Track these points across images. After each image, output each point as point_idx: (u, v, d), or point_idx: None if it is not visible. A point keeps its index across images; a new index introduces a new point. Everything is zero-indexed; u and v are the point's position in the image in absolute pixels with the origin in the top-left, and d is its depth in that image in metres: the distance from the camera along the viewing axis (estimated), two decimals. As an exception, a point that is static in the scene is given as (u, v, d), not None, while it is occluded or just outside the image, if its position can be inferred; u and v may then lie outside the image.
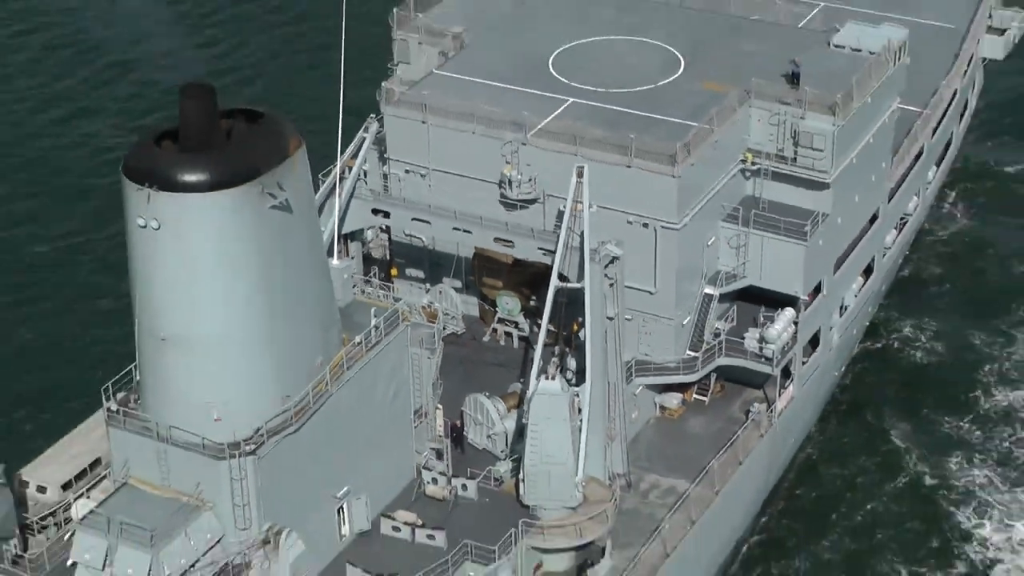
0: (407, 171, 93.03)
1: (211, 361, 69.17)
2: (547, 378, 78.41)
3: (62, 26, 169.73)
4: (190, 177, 63.09)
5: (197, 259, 66.42)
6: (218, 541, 70.45)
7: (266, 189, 65.33)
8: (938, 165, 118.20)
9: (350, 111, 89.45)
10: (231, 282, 67.57)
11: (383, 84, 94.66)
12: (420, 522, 79.68)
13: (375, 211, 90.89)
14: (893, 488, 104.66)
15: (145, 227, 64.92)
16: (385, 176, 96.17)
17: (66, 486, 76.63)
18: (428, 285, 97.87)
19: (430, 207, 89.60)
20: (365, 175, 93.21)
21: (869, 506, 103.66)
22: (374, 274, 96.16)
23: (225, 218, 65.27)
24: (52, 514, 76.00)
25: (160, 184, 62.73)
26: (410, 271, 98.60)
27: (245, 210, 65.23)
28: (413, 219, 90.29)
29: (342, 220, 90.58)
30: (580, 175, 79.36)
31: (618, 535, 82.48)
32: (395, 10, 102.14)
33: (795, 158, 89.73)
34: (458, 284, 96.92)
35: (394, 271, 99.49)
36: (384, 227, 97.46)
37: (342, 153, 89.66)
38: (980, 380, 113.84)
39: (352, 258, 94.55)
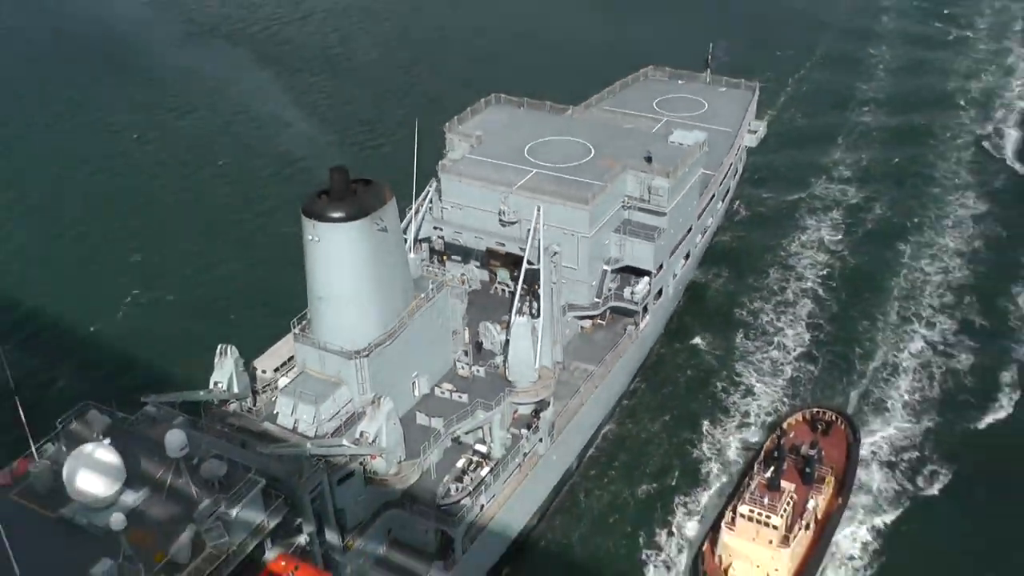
0: (452, 206, 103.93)
1: (344, 308, 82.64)
2: (520, 315, 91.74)
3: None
4: (335, 215, 78.74)
5: (338, 256, 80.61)
6: (349, 401, 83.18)
7: (374, 221, 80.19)
8: (723, 200, 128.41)
9: (420, 175, 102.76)
10: (356, 269, 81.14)
11: (440, 162, 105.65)
12: (454, 389, 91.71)
13: (435, 227, 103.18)
14: (698, 365, 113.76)
15: (312, 240, 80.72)
16: (441, 209, 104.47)
17: (276, 370, 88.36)
18: (463, 265, 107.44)
19: (463, 226, 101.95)
20: (430, 210, 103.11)
21: (689, 372, 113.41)
22: (435, 260, 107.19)
23: (353, 236, 79.71)
24: (267, 386, 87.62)
25: (320, 219, 79.01)
26: (454, 258, 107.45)
27: (364, 232, 79.86)
28: (454, 232, 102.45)
29: (417, 232, 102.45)
30: (539, 210, 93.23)
31: (556, 394, 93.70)
32: (447, 124, 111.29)
33: (648, 199, 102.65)
34: (477, 264, 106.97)
35: (445, 258, 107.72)
36: (440, 236, 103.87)
37: (416, 198, 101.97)
38: (753, 310, 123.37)
39: (423, 255, 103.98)
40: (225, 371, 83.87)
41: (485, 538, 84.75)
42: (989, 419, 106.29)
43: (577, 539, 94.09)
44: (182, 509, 63.62)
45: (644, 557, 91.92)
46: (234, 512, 63.06)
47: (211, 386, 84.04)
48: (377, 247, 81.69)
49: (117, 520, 58.88)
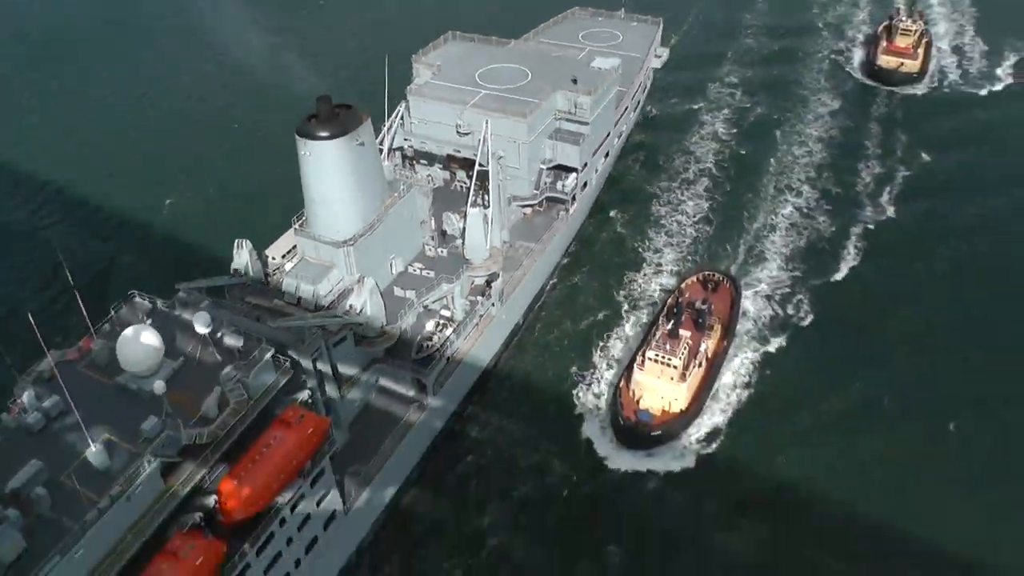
0: (419, 121, 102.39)
1: (332, 207, 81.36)
2: (474, 207, 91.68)
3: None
4: (322, 134, 77.80)
5: (326, 167, 79.55)
6: (340, 281, 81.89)
7: (353, 139, 79.05)
8: (635, 111, 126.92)
9: (392, 98, 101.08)
10: (341, 176, 79.99)
11: (408, 86, 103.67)
12: (423, 267, 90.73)
13: (405, 139, 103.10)
14: (617, 236, 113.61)
15: (305, 155, 79.63)
16: (410, 124, 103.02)
17: (283, 256, 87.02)
18: (429, 168, 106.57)
19: (428, 137, 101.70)
20: (401, 125, 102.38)
21: (610, 242, 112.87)
22: (407, 164, 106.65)
23: (337, 150, 78.74)
24: (277, 269, 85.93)
25: (310, 137, 77.98)
26: (422, 162, 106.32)
27: (345, 147, 78.87)
28: (421, 141, 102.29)
29: (391, 143, 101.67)
30: (487, 123, 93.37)
31: (505, 267, 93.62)
32: (413, 56, 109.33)
33: (575, 113, 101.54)
34: (440, 167, 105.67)
35: (415, 163, 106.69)
36: (410, 145, 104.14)
37: (388, 116, 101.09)
38: (661, 189, 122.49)
39: (396, 162, 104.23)
40: (242, 260, 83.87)
41: (452, 382, 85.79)
42: (842, 266, 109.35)
43: (524, 375, 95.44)
44: (210, 374, 63.78)
45: (577, 380, 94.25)
46: (251, 375, 63.31)
47: (231, 272, 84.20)
48: (357, 158, 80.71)
49: (159, 387, 60.08)
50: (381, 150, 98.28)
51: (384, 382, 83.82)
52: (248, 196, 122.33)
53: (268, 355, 64.67)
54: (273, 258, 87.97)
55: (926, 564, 75.26)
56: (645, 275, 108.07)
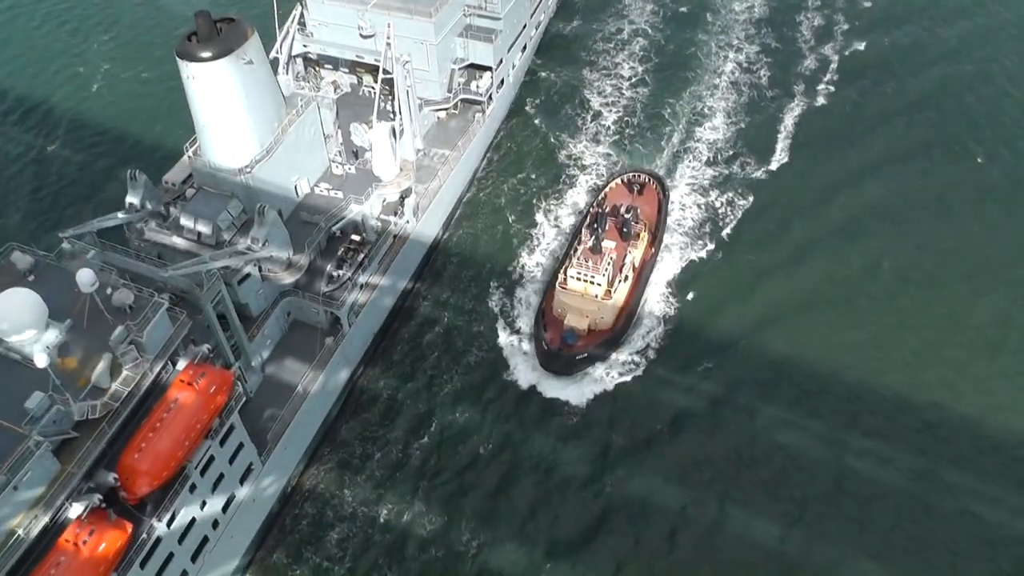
0: (319, 24, 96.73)
1: (224, 133, 77.62)
2: (379, 121, 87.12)
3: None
4: (205, 54, 73.18)
5: (212, 91, 75.29)
6: (242, 210, 78.21)
7: (239, 56, 74.57)
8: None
9: (280, 8, 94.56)
10: (230, 100, 75.85)
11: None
12: (331, 187, 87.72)
13: (304, 46, 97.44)
14: (537, 136, 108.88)
15: (188, 79, 75.27)
16: (308, 29, 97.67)
17: (184, 182, 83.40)
18: (334, 72, 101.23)
19: (328, 43, 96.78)
20: (300, 29, 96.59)
21: (530, 141, 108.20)
22: (311, 69, 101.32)
23: (222, 72, 74.30)
24: (178, 197, 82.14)
25: (192, 59, 73.42)
26: (326, 67, 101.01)
27: (231, 67, 74.42)
28: (321, 48, 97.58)
29: (290, 51, 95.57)
30: (389, 26, 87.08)
31: (419, 178, 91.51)
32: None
33: (485, 7, 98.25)
34: (346, 71, 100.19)
35: (318, 68, 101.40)
36: (309, 53, 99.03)
37: (280, 27, 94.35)
38: (591, 63, 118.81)
39: (298, 70, 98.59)
40: (137, 192, 79.16)
41: (368, 311, 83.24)
42: (785, 117, 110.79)
43: (445, 298, 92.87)
44: (99, 337, 59.78)
45: (501, 302, 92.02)
46: (144, 334, 59.71)
47: (127, 207, 79.37)
48: (245, 78, 76.20)
49: (40, 359, 55.43)
50: (278, 60, 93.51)
51: (298, 315, 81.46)
52: (140, 122, 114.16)
53: (162, 309, 61.14)
54: (172, 184, 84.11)
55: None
56: (570, 175, 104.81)
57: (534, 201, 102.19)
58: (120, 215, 79.10)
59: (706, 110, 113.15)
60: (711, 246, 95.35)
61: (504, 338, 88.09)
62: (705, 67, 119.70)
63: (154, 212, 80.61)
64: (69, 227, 72.93)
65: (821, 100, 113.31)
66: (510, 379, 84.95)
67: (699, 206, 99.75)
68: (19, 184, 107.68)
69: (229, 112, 76.60)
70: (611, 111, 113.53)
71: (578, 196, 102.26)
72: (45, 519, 53.22)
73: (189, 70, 74.08)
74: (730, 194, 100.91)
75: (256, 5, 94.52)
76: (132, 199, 79.26)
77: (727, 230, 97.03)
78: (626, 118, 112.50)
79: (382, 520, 75.79)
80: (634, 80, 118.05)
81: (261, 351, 77.71)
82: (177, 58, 74.21)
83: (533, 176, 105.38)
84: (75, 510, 55.07)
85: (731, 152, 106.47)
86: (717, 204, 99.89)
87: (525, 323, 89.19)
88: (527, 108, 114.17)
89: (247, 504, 70.05)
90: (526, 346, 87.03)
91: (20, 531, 52.05)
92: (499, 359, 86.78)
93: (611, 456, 78.72)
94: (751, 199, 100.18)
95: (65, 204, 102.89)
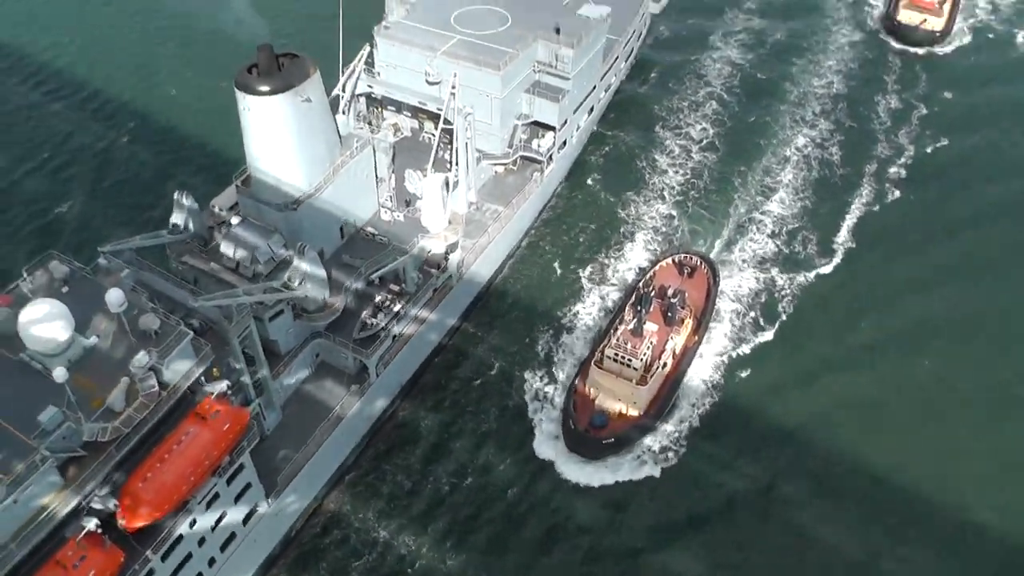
0: (386, 65, 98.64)
1: (273, 165, 79.33)
2: (433, 171, 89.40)
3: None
4: (263, 88, 74.86)
5: (268, 125, 76.93)
6: (283, 246, 78.76)
7: (297, 94, 76.05)
8: (626, 60, 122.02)
9: (347, 47, 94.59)
10: (284, 135, 77.41)
11: (375, 26, 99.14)
12: (377, 232, 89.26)
13: (369, 85, 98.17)
14: (596, 204, 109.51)
15: (244, 110, 76.95)
16: (375, 68, 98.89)
17: (231, 208, 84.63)
18: (396, 115, 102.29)
19: (393, 85, 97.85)
20: (366, 69, 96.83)
21: (588, 209, 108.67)
22: (374, 109, 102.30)
23: (279, 107, 75.77)
24: (222, 223, 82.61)
25: (249, 91, 75.21)
26: (390, 108, 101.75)
27: (288, 103, 75.85)
28: (385, 90, 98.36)
29: (354, 89, 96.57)
30: (455, 76, 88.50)
31: (468, 232, 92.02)
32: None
33: (556, 65, 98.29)
34: (408, 115, 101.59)
35: (382, 108, 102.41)
36: (373, 93, 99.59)
37: (345, 65, 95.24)
38: (642, 165, 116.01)
39: (360, 109, 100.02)
40: (181, 214, 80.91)
41: (398, 362, 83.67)
42: (854, 201, 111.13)
43: (477, 358, 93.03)
44: (121, 359, 60.69)
45: (534, 369, 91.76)
46: (165, 362, 60.52)
47: (170, 227, 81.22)
48: (302, 116, 77.48)
49: (60, 374, 56.03)
50: (340, 97, 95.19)
51: (327, 356, 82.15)
52: (195, 144, 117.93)
53: (186, 340, 61.86)
54: (219, 210, 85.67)
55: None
56: (626, 234, 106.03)
57: (580, 269, 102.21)
58: (163, 234, 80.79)
59: (774, 182, 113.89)
60: (766, 326, 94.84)
61: (535, 405, 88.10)
62: (777, 138, 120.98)
63: (196, 235, 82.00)
64: (110, 241, 74.07)
65: (892, 190, 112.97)
66: (534, 452, 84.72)
67: (757, 280, 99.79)
68: (82, 174, 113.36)
69: (281, 147, 78.05)
70: (677, 172, 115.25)
71: (631, 260, 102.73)
72: (39, 536, 53.46)
73: (246, 102, 75.76)
74: (792, 273, 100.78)
75: (324, 40, 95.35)
76: (176, 220, 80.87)
77: (785, 312, 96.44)
78: (692, 180, 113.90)
79: (388, 563, 76.03)
80: (704, 143, 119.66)
81: (285, 390, 78.35)
82: (235, 88, 75.94)
83: (588, 234, 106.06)
84: (71, 530, 55.34)
85: (796, 229, 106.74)
86: (777, 281, 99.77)
87: (558, 396, 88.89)
88: (591, 162, 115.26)
89: (248, 543, 70.24)
90: (555, 422, 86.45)
91: (13, 545, 52.44)
92: (526, 427, 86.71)
93: (621, 549, 77.45)
94: (812, 282, 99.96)
95: (117, 207, 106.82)
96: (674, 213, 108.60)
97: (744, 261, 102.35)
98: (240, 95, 75.63)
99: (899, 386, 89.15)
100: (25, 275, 67.25)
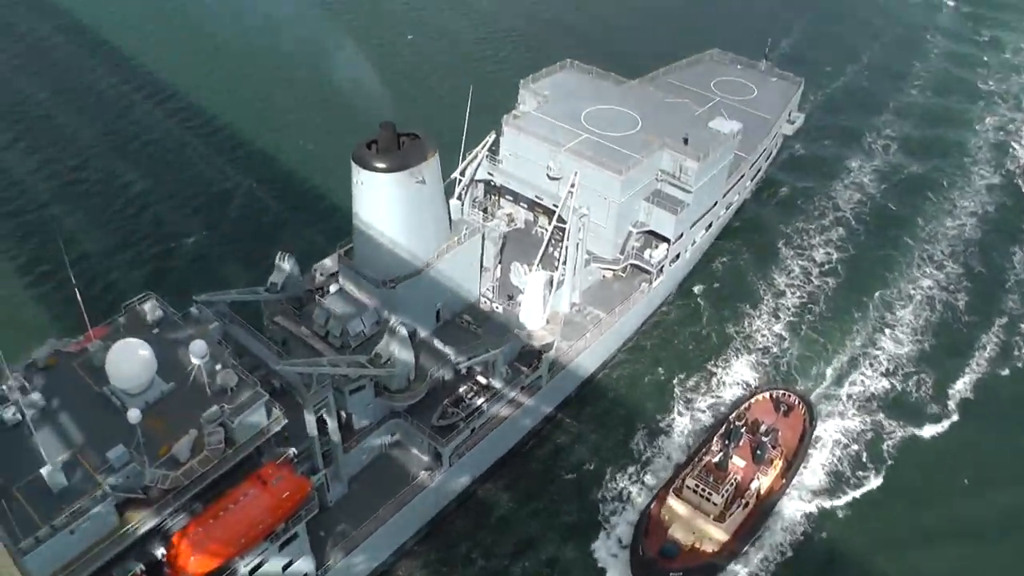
0: (510, 154, 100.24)
1: (379, 244, 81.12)
2: (538, 269, 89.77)
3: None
4: (378, 164, 77.08)
5: (378, 201, 79.00)
6: (375, 323, 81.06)
7: (412, 175, 78.14)
8: (752, 180, 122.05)
9: (471, 133, 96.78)
10: (393, 213, 79.36)
11: (504, 115, 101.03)
12: (472, 321, 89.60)
13: (488, 173, 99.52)
14: (700, 325, 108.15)
15: (357, 183, 79.27)
16: (498, 156, 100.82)
17: (332, 275, 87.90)
18: (513, 204, 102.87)
19: (512, 175, 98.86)
20: (488, 156, 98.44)
21: (690, 329, 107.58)
22: (491, 196, 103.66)
23: (392, 185, 77.89)
24: (320, 288, 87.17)
25: (364, 166, 77.47)
26: (507, 197, 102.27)
27: (402, 183, 77.99)
28: (504, 179, 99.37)
29: (474, 174, 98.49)
30: (575, 175, 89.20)
31: (565, 333, 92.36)
32: (522, 80, 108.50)
33: (679, 177, 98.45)
34: (525, 206, 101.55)
35: (500, 196, 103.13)
36: (492, 181, 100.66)
37: (467, 149, 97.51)
38: (764, 278, 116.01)
39: (477, 195, 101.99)
40: (281, 275, 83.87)
41: (475, 454, 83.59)
42: (977, 355, 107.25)
43: (553, 461, 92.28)
44: (194, 409, 62.24)
45: (611, 481, 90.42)
46: (235, 420, 61.95)
47: (267, 286, 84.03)
48: (413, 196, 79.38)
49: (134, 415, 58.40)
50: (459, 181, 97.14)
51: (403, 436, 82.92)
52: (309, 207, 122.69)
53: (260, 402, 63.29)
54: (320, 275, 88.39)
55: None
56: (728, 361, 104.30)
57: (689, 370, 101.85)
58: (260, 291, 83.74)
59: (893, 319, 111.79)
60: (868, 472, 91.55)
61: (604, 520, 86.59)
62: (902, 274, 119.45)
63: (293, 297, 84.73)
64: (211, 291, 77.51)
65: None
66: (599, 555, 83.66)
67: (864, 421, 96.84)
68: (206, 210, 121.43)
69: (388, 225, 80.00)
70: (794, 293, 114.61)
71: (734, 375, 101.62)
72: (87, 573, 54.67)
73: (360, 175, 78.05)
74: (903, 420, 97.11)
75: (451, 123, 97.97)
76: (275, 279, 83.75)
77: (891, 460, 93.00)
78: (809, 305, 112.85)
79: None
80: (826, 268, 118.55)
81: (354, 465, 79.00)
82: (352, 161, 78.28)
83: (696, 342, 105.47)
84: (117, 571, 56.76)
85: (912, 374, 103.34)
86: (885, 425, 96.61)
87: (630, 514, 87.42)
88: (698, 289, 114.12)
89: (289, 616, 70.30)
90: (622, 543, 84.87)
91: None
92: (593, 543, 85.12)
93: None
94: (928, 436, 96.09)
95: (229, 250, 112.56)
96: (785, 335, 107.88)
97: (850, 397, 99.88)
98: (355, 168, 77.88)
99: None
100: (123, 311, 70.76)
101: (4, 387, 61.69)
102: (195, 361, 63.32)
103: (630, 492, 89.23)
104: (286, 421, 65.67)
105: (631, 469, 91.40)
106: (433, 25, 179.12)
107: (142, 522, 57.57)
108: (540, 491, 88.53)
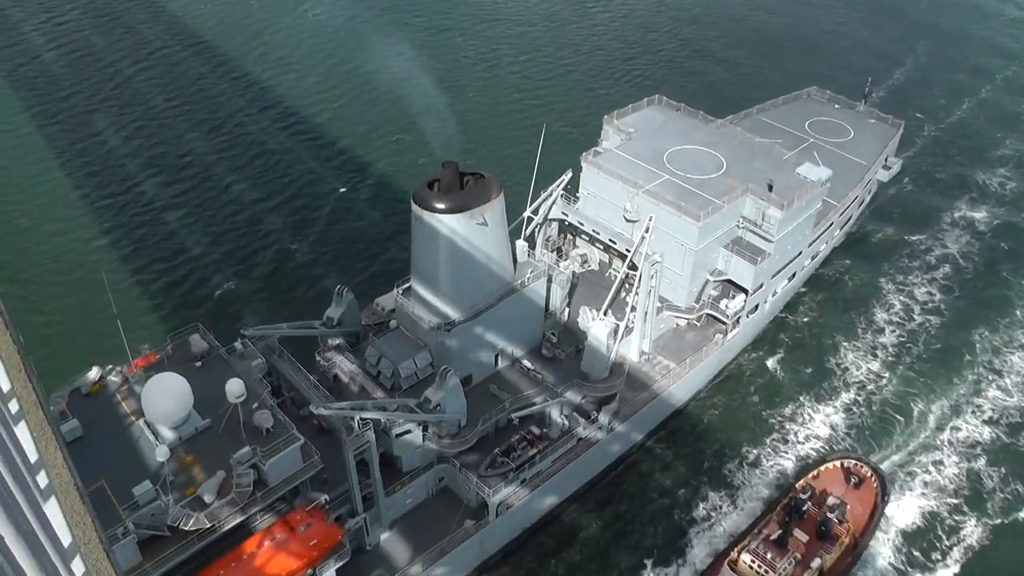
0: (587, 193, 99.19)
1: (436, 285, 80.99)
2: (604, 316, 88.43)
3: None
4: (438, 205, 76.87)
5: (437, 242, 78.52)
6: (429, 364, 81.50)
7: (473, 216, 77.80)
8: (841, 228, 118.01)
9: (552, 170, 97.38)
10: (451, 255, 78.78)
11: (583, 153, 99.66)
12: (533, 367, 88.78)
13: (563, 212, 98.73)
14: (772, 383, 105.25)
15: (417, 223, 78.93)
16: (574, 196, 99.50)
17: (392, 311, 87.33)
18: (589, 245, 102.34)
19: (586, 216, 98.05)
20: (563, 195, 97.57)
21: (761, 388, 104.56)
22: (566, 236, 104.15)
23: (452, 227, 77.56)
24: (380, 322, 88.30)
25: (424, 207, 77.17)
26: (583, 236, 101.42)
27: (462, 225, 77.71)
28: (577, 220, 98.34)
29: (547, 213, 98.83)
30: (650, 220, 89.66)
31: (633, 383, 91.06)
32: (606, 116, 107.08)
33: (761, 225, 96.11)
34: (600, 248, 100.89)
35: (574, 236, 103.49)
36: (567, 221, 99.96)
37: (536, 186, 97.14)
38: (842, 342, 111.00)
39: (549, 234, 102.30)
40: (338, 310, 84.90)
41: (523, 507, 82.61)
42: None
43: (606, 519, 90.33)
44: (226, 449, 63.25)
45: (670, 546, 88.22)
46: (267, 464, 62.71)
47: (323, 320, 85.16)
48: (473, 239, 79.09)
49: (162, 452, 60.21)
50: (529, 220, 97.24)
51: (450, 482, 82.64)
52: (374, 241, 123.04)
53: (295, 446, 64.12)
54: (382, 309, 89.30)
55: None
56: (795, 430, 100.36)
57: (748, 449, 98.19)
58: (316, 325, 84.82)
59: (1002, 365, 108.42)
60: (948, 563, 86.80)
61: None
62: (1013, 316, 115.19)
63: (349, 332, 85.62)
64: (256, 324, 79.93)
65: None
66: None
67: (945, 503, 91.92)
68: (316, 221, 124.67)
69: (448, 266, 79.90)
70: (894, 331, 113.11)
71: (805, 441, 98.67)
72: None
73: (420, 215, 78.11)
74: (988, 508, 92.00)
75: (527, 160, 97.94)
76: (331, 314, 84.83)
77: (972, 551, 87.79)
78: (908, 344, 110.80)
79: None
80: (929, 306, 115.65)
81: (398, 508, 78.96)
82: (412, 201, 78.50)
83: (753, 422, 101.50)
84: (135, 612, 57.45)
85: (999, 459, 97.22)
86: (986, 481, 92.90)
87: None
88: (776, 344, 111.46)
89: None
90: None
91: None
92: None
93: None
94: (1011, 527, 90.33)
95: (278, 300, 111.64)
96: (883, 375, 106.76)
97: (928, 473, 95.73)
98: (415, 208, 77.92)
99: None
100: (168, 342, 72.63)
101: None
102: (231, 399, 64.37)
103: (683, 561, 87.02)
104: (321, 466, 66.42)
105: (691, 533, 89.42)
106: (533, 54, 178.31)
107: (165, 560, 58.56)
108: (581, 558, 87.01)
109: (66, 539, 30.26)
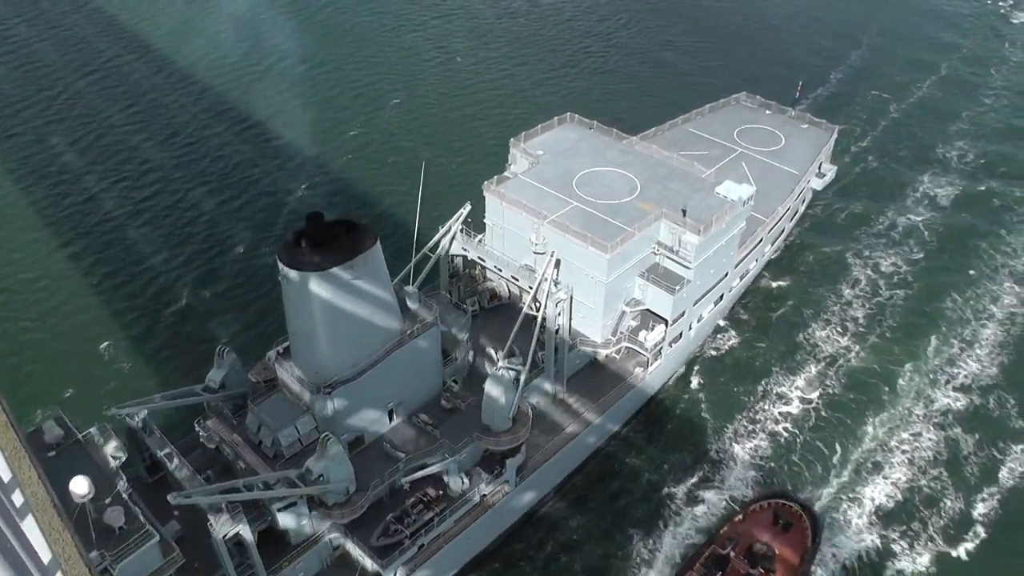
0: (492, 223, 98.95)
1: (314, 345, 79.07)
2: (500, 363, 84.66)
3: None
4: (303, 262, 73.91)
5: (308, 300, 75.84)
6: (313, 428, 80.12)
7: (347, 269, 74.93)
8: (772, 244, 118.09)
9: (445, 206, 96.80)
10: (325, 313, 76.42)
11: (486, 181, 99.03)
12: (429, 421, 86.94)
13: (463, 248, 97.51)
14: (688, 399, 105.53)
15: (284, 281, 76.22)
16: (472, 230, 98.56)
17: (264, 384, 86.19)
18: (499, 278, 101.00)
19: (487, 253, 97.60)
20: (462, 230, 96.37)
21: (689, 418, 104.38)
22: (474, 268, 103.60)
23: (323, 284, 74.73)
24: (270, 380, 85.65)
25: (290, 265, 74.25)
26: (495, 268, 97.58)
27: (334, 280, 74.83)
28: (477, 256, 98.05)
29: (447, 248, 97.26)
30: (552, 255, 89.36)
31: (545, 426, 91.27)
32: (513, 139, 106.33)
33: (678, 251, 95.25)
34: (508, 282, 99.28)
35: (481, 269, 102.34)
36: (466, 257, 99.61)
37: (419, 232, 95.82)
38: (777, 360, 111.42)
39: (453, 268, 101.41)
40: (221, 372, 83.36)
41: (427, 570, 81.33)
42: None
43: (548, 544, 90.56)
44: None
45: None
46: (116, 569, 61.37)
47: (204, 385, 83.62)
48: (348, 294, 76.78)
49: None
50: (431, 256, 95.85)
51: (348, 548, 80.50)
52: (242, 299, 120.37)
53: (150, 543, 62.86)
54: (273, 362, 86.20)
55: None
56: (717, 471, 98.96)
57: (670, 489, 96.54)
58: (197, 390, 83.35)
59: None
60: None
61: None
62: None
63: (234, 395, 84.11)
64: (127, 401, 77.21)
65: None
66: None
67: (880, 538, 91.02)
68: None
69: (324, 325, 77.75)
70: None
71: (729, 484, 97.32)
72: None
73: (287, 274, 75.43)
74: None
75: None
76: (213, 377, 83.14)
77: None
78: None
79: None
80: (849, 348, 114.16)
81: (284, 587, 77.47)
82: (278, 261, 75.97)
83: (677, 459, 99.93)
84: None
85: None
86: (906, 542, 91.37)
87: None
88: (705, 371, 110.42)
89: None
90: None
91: None
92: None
93: None
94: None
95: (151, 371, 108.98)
96: (788, 432, 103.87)
97: (862, 507, 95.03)
98: (281, 267, 75.40)
99: None
100: (24, 431, 69.59)
101: None
102: (76, 500, 62.52)
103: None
104: (183, 561, 65.48)
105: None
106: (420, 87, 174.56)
107: None
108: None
109: (45, 556, 33.06)
